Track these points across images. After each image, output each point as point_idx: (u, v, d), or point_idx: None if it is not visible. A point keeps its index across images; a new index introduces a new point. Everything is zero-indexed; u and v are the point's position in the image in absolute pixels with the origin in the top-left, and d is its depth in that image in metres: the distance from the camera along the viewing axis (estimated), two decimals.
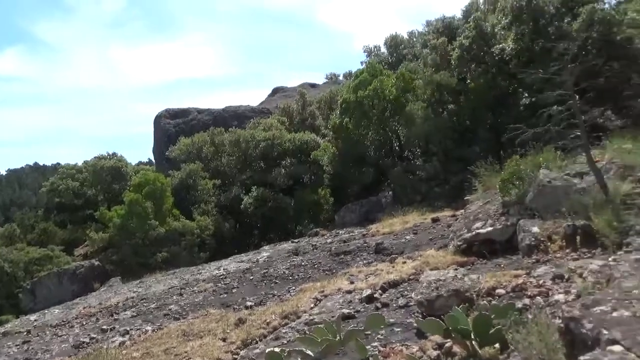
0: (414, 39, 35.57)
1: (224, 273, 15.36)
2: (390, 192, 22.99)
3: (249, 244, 26.28)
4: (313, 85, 55.36)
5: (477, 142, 20.48)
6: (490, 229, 9.23)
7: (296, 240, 19.91)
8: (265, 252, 18.47)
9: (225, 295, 12.07)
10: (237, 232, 28.52)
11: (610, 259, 5.65)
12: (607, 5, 18.88)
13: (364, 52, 38.44)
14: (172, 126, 41.27)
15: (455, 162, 19.95)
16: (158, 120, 42.96)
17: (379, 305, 7.55)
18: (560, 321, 3.93)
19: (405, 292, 7.89)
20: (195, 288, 13.67)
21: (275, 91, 56.05)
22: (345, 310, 7.54)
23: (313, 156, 27.81)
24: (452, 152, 20.63)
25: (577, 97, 8.62)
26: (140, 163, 53.13)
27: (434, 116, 21.12)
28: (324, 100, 35.67)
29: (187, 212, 27.40)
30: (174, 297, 13.13)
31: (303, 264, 13.73)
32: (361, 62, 36.94)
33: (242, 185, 29.23)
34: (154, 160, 48.13)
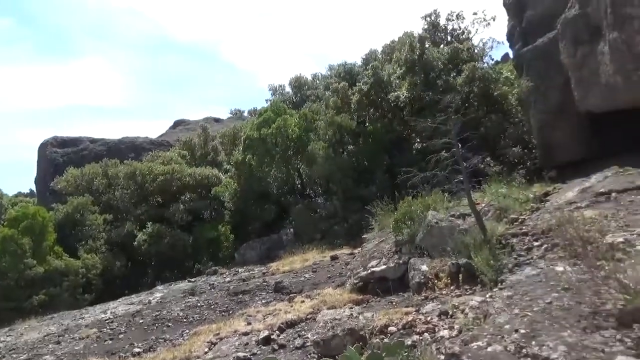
0: (317, 81, 36.96)
1: (111, 317, 14.17)
2: (292, 230, 23.11)
3: (141, 283, 24.60)
4: (217, 120, 54.77)
5: (375, 182, 21.46)
6: (384, 267, 9.61)
7: (193, 280, 19.06)
8: (159, 292, 17.41)
9: (111, 341, 11.10)
10: (128, 270, 26.60)
11: (487, 296, 6.14)
12: (485, 65, 21.27)
13: (269, 90, 39.12)
14: (60, 155, 38.14)
15: (354, 201, 20.67)
16: (43, 148, 39.46)
17: (275, 346, 7.43)
18: (443, 357, 4.16)
19: (303, 332, 7.87)
20: (76, 335, 12.41)
21: (177, 124, 54.57)
22: (241, 354, 7.31)
23: (214, 192, 27.24)
24: (351, 192, 21.37)
25: (460, 145, 9.48)
26: (19, 194, 48.05)
27: (334, 156, 21.86)
28: (228, 136, 35.38)
29: (72, 250, 25.09)
30: (50, 346, 11.79)
31: (199, 304, 13.14)
32: (266, 100, 37.49)
33: (136, 220, 27.57)
34: (35, 192, 43.85)
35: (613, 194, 9.35)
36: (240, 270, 19.13)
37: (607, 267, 4.84)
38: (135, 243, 25.82)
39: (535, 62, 15.45)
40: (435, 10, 25.45)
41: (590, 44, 11.72)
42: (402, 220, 9.98)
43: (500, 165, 19.14)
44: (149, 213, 27.50)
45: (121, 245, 26.81)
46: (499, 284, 6.56)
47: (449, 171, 9.25)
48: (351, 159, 22.22)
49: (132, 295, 18.50)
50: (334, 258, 15.31)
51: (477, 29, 25.44)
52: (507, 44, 23.09)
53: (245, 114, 53.62)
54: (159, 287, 19.30)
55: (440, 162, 9.28)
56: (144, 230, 26.16)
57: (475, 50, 22.28)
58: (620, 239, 6.14)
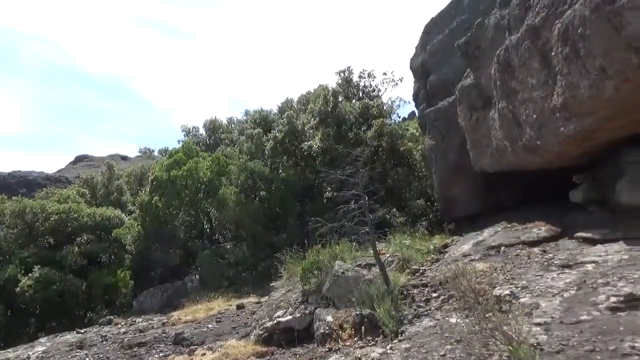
0: (233, 125, 36.93)
1: None
2: (197, 276, 22.15)
3: (21, 334, 21.93)
4: (124, 158, 52.25)
5: (286, 229, 21.45)
6: (290, 317, 9.45)
7: (83, 331, 17.34)
8: (41, 345, 15.58)
9: None
10: (8, 320, 23.64)
11: (388, 347, 6.26)
12: (393, 121, 22.64)
13: (182, 131, 38.32)
14: None
15: (264, 247, 20.43)
16: None
17: None
18: None
19: None
20: None
21: (79, 159, 51.25)
22: None
23: (115, 234, 25.51)
24: (261, 238, 21.13)
25: (368, 196, 9.83)
26: None
27: (246, 201, 21.64)
28: (135, 175, 33.76)
29: None
30: None
31: None
32: (178, 141, 36.57)
33: (21, 263, 24.83)
34: None
35: (502, 248, 10.13)
36: (137, 319, 17.79)
37: (494, 319, 5.17)
38: (18, 289, 23.14)
39: (437, 122, 16.71)
40: (348, 67, 26.90)
41: (484, 110, 12.96)
42: (310, 270, 9.99)
43: (405, 216, 20.06)
44: (38, 255, 24.91)
45: (1, 291, 23.88)
46: (399, 335, 6.72)
47: (356, 222, 9.51)
48: (263, 205, 22.12)
49: (8, 350, 16.38)
50: (240, 307, 14.81)
51: (386, 88, 27.19)
52: (413, 103, 24.94)
53: (156, 153, 51.79)
54: (42, 340, 17.29)
55: (348, 212, 9.54)
56: (29, 274, 23.60)
57: (385, 108, 23.72)
58: (507, 292, 6.62)
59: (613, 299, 5.32)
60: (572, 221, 10.71)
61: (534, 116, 9.68)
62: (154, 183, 24.42)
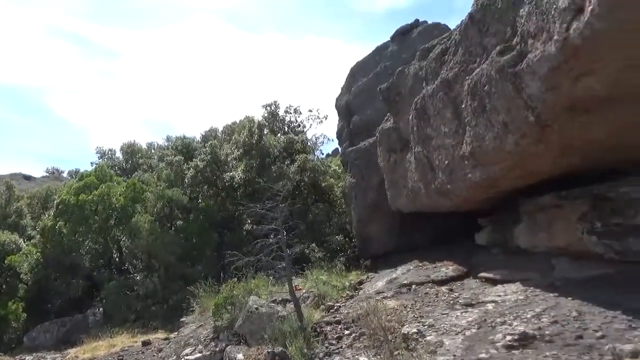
0: (152, 151, 35.61)
1: None
2: (101, 309, 20.61)
3: None
4: (28, 178, 48.37)
5: (202, 261, 20.74)
6: (199, 355, 9.07)
7: None
8: None
9: None
10: None
11: None
12: (316, 157, 23.07)
13: (97, 153, 36.23)
14: None
15: (178, 280, 19.56)
16: None
17: None
18: None
19: None
20: None
21: None
22: None
23: (9, 261, 23.18)
24: (175, 270, 20.22)
25: (287, 231, 9.86)
26: None
27: (160, 230, 20.71)
28: (38, 197, 31.20)
29: None
30: None
31: None
32: (91, 163, 34.53)
33: None
34: None
35: (413, 286, 10.50)
36: (27, 357, 16.15)
37: (402, 358, 5.31)
38: None
39: (358, 161, 17.28)
40: (275, 102, 27.22)
41: (402, 152, 13.63)
42: (223, 305, 9.71)
43: (324, 252, 20.25)
44: None
45: None
46: None
47: (274, 256, 9.45)
48: (179, 235, 21.29)
49: None
50: (146, 343, 13.94)
51: (311, 124, 27.76)
52: (337, 141, 25.65)
53: (65, 174, 48.41)
54: None
55: (266, 247, 9.47)
56: None
57: (309, 143, 24.15)
58: (414, 330, 6.85)
59: (509, 337, 5.69)
60: (476, 262, 11.40)
61: (446, 162, 10.34)
62: (60, 207, 22.68)
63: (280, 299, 10.66)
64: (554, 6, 6.35)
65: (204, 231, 21.47)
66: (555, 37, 6.26)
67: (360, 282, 13.23)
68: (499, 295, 7.95)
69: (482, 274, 9.87)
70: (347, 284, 12.67)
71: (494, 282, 9.33)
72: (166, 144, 33.46)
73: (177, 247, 20.60)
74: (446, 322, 6.95)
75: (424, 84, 11.35)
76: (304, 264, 15.31)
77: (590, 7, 5.68)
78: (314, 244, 20.44)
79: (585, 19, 5.74)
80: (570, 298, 7.03)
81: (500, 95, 7.65)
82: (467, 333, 6.31)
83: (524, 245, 10.10)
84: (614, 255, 7.60)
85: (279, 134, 24.98)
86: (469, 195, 10.30)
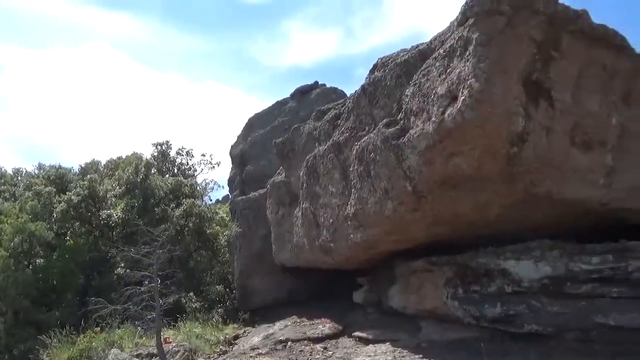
0: (19, 178, 32.02)
1: None
2: None
3: None
4: None
5: (61, 306, 18.58)
6: None
7: None
8: None
9: None
10: None
11: None
12: (204, 203, 22.47)
13: None
14: None
15: (28, 326, 17.21)
16: None
17: None
18: None
19: None
20: None
21: None
22: None
23: None
24: (27, 314, 17.81)
25: (164, 279, 9.31)
26: None
27: (14, 268, 18.30)
28: None
29: None
30: None
31: None
32: None
33: None
34: None
35: (289, 343, 10.40)
36: None
37: None
38: None
39: (246, 211, 17.15)
40: (167, 142, 26.42)
41: (290, 207, 13.85)
42: (78, 358, 8.73)
43: (202, 302, 19.33)
44: None
45: None
46: None
47: (144, 306, 8.83)
48: (37, 275, 18.96)
49: None
50: None
51: (202, 169, 27.24)
52: (228, 188, 25.34)
53: None
54: None
55: (136, 295, 8.84)
56: None
57: (198, 188, 23.51)
58: None
59: None
60: (352, 320, 11.68)
61: (331, 220, 10.70)
62: None
63: (146, 352, 9.88)
64: (434, 91, 7.15)
65: (68, 272, 19.36)
66: (433, 119, 7.00)
67: (236, 337, 12.79)
68: (369, 356, 8.18)
69: (356, 333, 10.11)
70: (222, 338, 12.17)
71: (366, 342, 9.60)
72: (37, 172, 30.34)
73: (32, 288, 18.25)
74: None
75: (316, 144, 11.82)
76: (179, 315, 14.48)
77: (462, 97, 6.49)
78: (191, 293, 19.45)
79: (458, 106, 6.53)
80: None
81: (383, 163, 8.23)
82: None
83: (396, 306, 10.61)
84: (471, 319, 8.29)
85: (167, 175, 24.05)
86: (350, 254, 10.69)
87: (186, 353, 10.15)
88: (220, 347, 11.38)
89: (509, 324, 7.64)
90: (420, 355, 7.80)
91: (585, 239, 7.74)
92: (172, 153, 26.60)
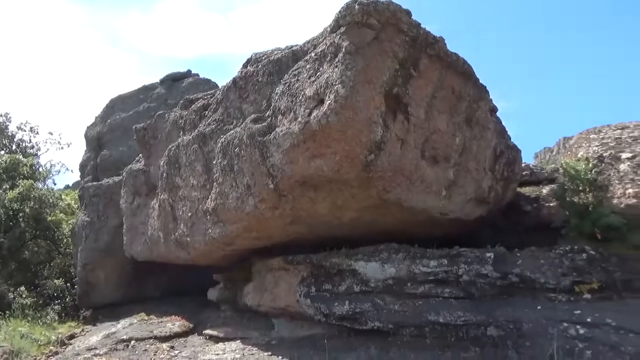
0: None
1: None
2: None
3: None
4: None
5: None
6: None
7: None
8: None
9: None
10: None
11: None
12: (46, 187, 20.06)
13: None
14: None
15: None
16: None
17: None
18: None
19: None
20: None
21: None
22: None
23: None
24: None
25: None
26: None
27: None
28: None
29: None
30: None
31: None
32: None
33: None
34: None
35: (133, 342, 9.73)
36: None
37: None
38: None
39: (97, 199, 15.70)
40: (6, 113, 23.09)
41: (147, 197, 12.98)
42: None
43: (36, 297, 17.23)
44: None
45: None
46: None
47: None
48: None
49: None
50: None
51: (48, 149, 24.34)
52: (79, 173, 22.95)
53: None
54: None
55: None
56: None
57: (40, 169, 20.92)
58: None
59: None
60: (205, 318, 11.36)
61: (189, 214, 10.26)
62: None
63: None
64: (303, 93, 7.24)
65: None
66: (299, 119, 7.08)
67: (72, 336, 11.61)
68: (217, 354, 7.98)
69: (207, 331, 9.83)
70: (54, 338, 10.92)
71: (217, 340, 9.38)
72: None
73: None
74: None
75: (181, 133, 11.27)
76: (7, 312, 12.78)
77: (329, 101, 6.67)
78: (22, 288, 17.21)
79: (324, 110, 6.69)
80: (280, 357, 7.53)
81: (248, 159, 8.11)
82: None
83: (251, 303, 10.54)
84: (321, 317, 8.56)
85: (2, 151, 20.97)
86: (207, 249, 10.35)
87: (5, 355, 8.87)
88: (51, 348, 10.20)
89: (354, 321, 8.03)
90: (269, 353, 7.83)
91: (427, 244, 8.51)
92: (12, 127, 23.33)
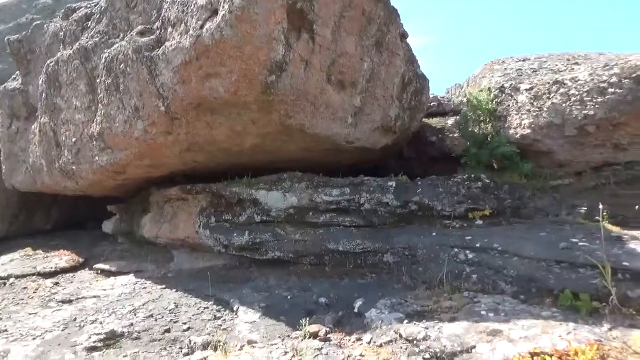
0: None
1: None
2: None
3: None
4: None
5: None
6: None
7: None
8: None
9: None
10: None
11: None
12: None
13: None
14: None
15: None
16: None
17: None
18: None
19: None
20: None
21: None
22: None
23: None
24: None
25: None
26: None
27: None
28: None
29: None
30: None
31: None
32: None
33: None
34: None
35: (11, 279, 8.87)
36: None
37: None
38: None
39: None
40: None
41: (27, 121, 11.48)
42: None
43: None
44: None
45: None
46: None
47: None
48: None
49: None
50: None
51: None
52: None
53: None
54: None
55: None
56: None
57: None
58: None
59: (94, 337, 5.19)
60: (98, 251, 10.62)
61: (74, 139, 9.17)
62: None
63: None
64: (195, 1, 6.36)
65: None
66: (191, 32, 6.25)
67: None
68: (105, 289, 7.42)
69: (99, 265, 9.15)
70: None
71: (109, 274, 8.76)
72: None
73: None
74: (27, 325, 5.90)
75: (61, 47, 9.82)
76: None
77: (223, 12, 5.90)
78: None
79: (217, 22, 5.92)
80: (174, 290, 7.15)
81: (135, 77, 7.19)
82: (48, 337, 5.47)
83: (148, 235, 9.95)
84: (221, 248, 8.22)
85: None
86: (96, 179, 9.42)
87: None
88: None
89: (255, 251, 7.78)
90: (163, 286, 7.41)
91: (334, 174, 8.30)
92: None
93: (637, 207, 7.18)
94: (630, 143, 7.79)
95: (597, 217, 7.07)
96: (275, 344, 4.58)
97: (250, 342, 4.70)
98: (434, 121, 10.75)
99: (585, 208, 7.31)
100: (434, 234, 6.66)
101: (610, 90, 7.43)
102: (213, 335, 5.08)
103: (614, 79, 7.47)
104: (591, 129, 7.65)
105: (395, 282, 6.20)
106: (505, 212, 7.24)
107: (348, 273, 6.91)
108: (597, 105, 7.49)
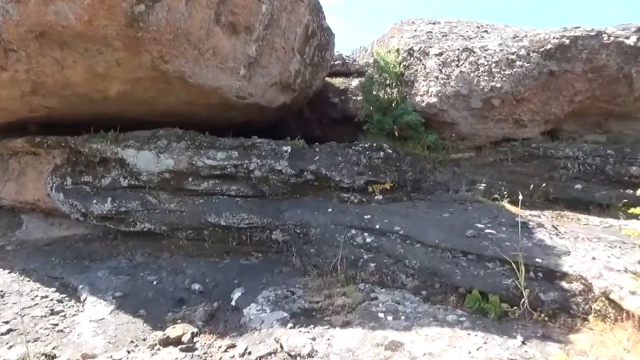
0: None
1: None
2: None
3: None
4: None
5: None
6: None
7: None
8: None
9: None
10: None
11: None
12: None
13: None
14: None
15: None
16: None
17: None
18: None
19: None
20: None
21: None
22: None
23: None
24: None
25: None
26: None
27: None
28: None
29: None
30: None
31: None
32: None
33: None
34: None
35: None
36: None
37: None
38: None
39: None
40: None
41: None
42: None
43: None
44: None
45: None
46: None
47: None
48: None
49: None
50: None
51: None
52: None
53: None
54: None
55: None
56: None
57: None
58: None
59: None
60: None
61: None
62: None
63: None
64: None
65: None
66: None
67: None
68: None
69: None
70: None
71: None
72: None
73: None
74: None
75: None
76: None
77: None
78: None
79: None
80: (8, 270, 5.69)
81: None
82: None
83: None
84: (79, 216, 6.79)
85: None
86: None
87: None
88: None
89: (120, 221, 6.50)
90: None
91: (223, 134, 7.18)
92: None
93: (531, 186, 7.11)
94: (530, 120, 7.64)
95: (495, 195, 6.88)
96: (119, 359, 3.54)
97: (85, 357, 3.58)
98: (338, 81, 9.93)
99: (485, 185, 7.04)
100: (330, 209, 5.90)
101: (518, 63, 7.09)
102: (38, 343, 3.87)
103: (522, 52, 7.14)
104: (496, 103, 7.33)
105: (283, 265, 5.39)
106: (406, 185, 6.72)
107: (230, 251, 5.97)
108: (504, 78, 7.14)
